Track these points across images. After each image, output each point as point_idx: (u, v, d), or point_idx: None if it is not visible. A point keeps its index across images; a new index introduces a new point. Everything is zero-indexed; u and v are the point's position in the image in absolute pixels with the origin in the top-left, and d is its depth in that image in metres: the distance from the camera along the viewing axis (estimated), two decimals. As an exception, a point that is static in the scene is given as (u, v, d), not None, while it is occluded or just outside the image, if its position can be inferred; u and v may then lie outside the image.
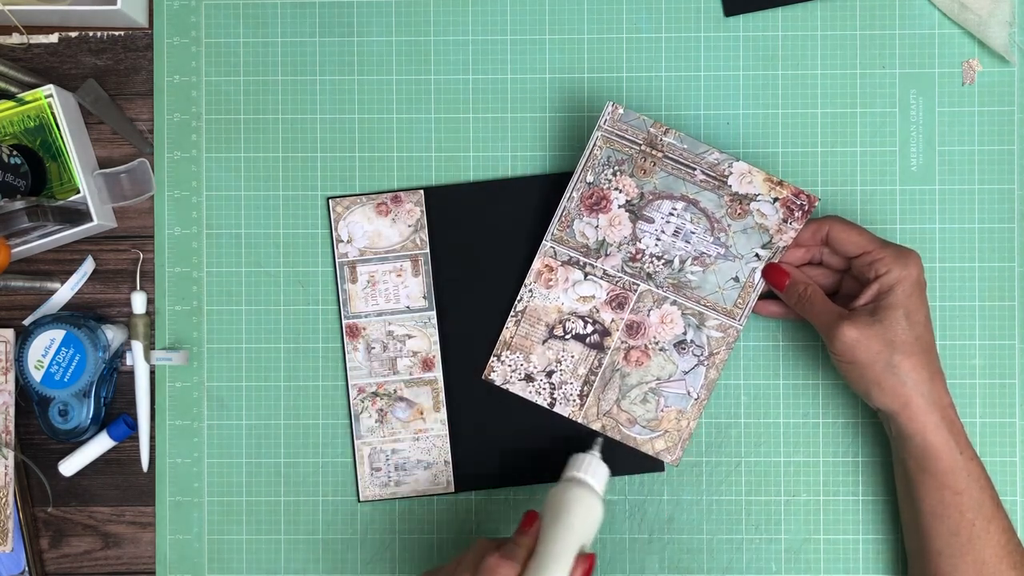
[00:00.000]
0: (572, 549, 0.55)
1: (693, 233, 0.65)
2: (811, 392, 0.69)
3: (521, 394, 0.68)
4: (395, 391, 0.69)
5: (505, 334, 0.67)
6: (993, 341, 0.68)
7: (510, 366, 0.68)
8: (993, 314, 0.69)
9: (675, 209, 0.64)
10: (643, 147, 0.64)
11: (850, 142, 0.69)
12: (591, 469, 0.60)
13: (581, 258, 0.66)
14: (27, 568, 0.69)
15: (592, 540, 0.57)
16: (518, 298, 0.67)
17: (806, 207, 0.63)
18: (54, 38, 0.70)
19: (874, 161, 0.69)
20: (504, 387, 0.67)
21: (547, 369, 0.67)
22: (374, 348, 0.69)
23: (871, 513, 0.68)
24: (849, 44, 0.69)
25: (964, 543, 0.60)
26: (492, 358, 0.68)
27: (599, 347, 0.67)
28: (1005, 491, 0.68)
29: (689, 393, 0.67)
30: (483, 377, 0.68)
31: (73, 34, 0.70)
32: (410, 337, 0.69)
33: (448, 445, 0.69)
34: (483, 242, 0.69)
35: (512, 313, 0.67)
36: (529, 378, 0.68)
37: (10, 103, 0.67)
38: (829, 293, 0.65)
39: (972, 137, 0.69)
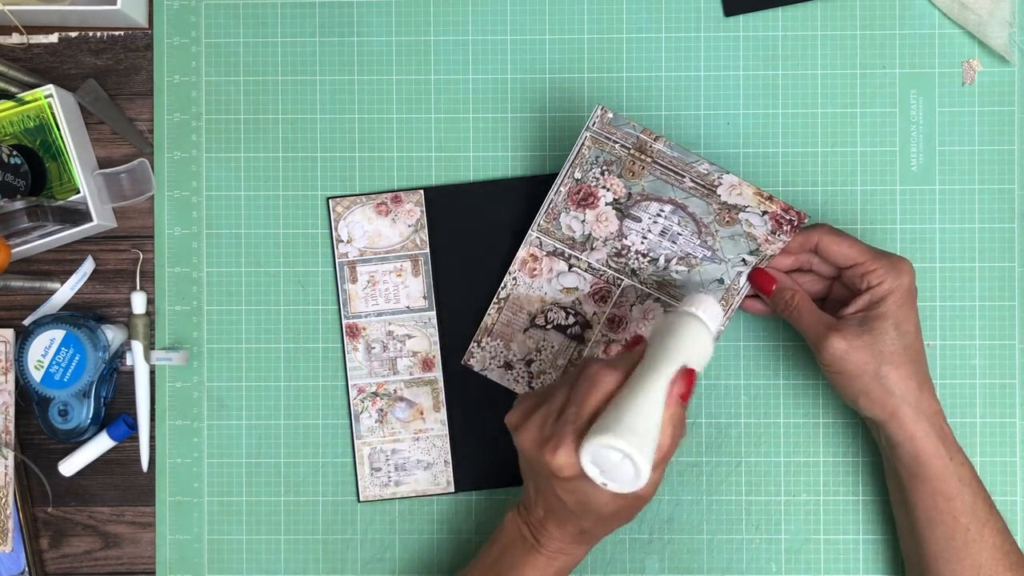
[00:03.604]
0: (675, 364, 0.53)
1: (680, 235, 0.64)
2: (811, 392, 0.69)
3: (499, 382, 0.68)
4: (395, 391, 0.69)
5: (487, 321, 0.67)
6: (993, 341, 0.68)
7: (490, 353, 0.67)
8: (993, 314, 0.69)
9: (663, 211, 0.64)
10: (632, 151, 0.63)
11: (850, 142, 0.69)
12: (706, 308, 0.56)
13: (567, 250, 0.66)
14: (27, 568, 0.69)
15: (700, 373, 0.54)
16: (502, 285, 0.67)
17: (795, 222, 0.62)
18: (54, 38, 0.70)
19: (874, 161, 0.69)
20: (482, 373, 0.68)
21: (526, 358, 0.67)
22: (374, 348, 0.69)
23: (871, 513, 0.68)
24: (849, 44, 0.69)
25: (960, 547, 0.60)
26: (472, 344, 0.68)
27: (579, 339, 0.67)
28: (1005, 491, 0.68)
29: None
30: (462, 363, 0.68)
31: (73, 34, 0.70)
32: (410, 337, 0.69)
33: (448, 445, 0.69)
34: (483, 242, 0.69)
35: (495, 300, 0.67)
36: (508, 366, 0.67)
37: (10, 103, 0.67)
38: (818, 299, 0.64)
39: (972, 137, 0.69)
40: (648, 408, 0.51)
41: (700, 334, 0.55)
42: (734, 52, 0.69)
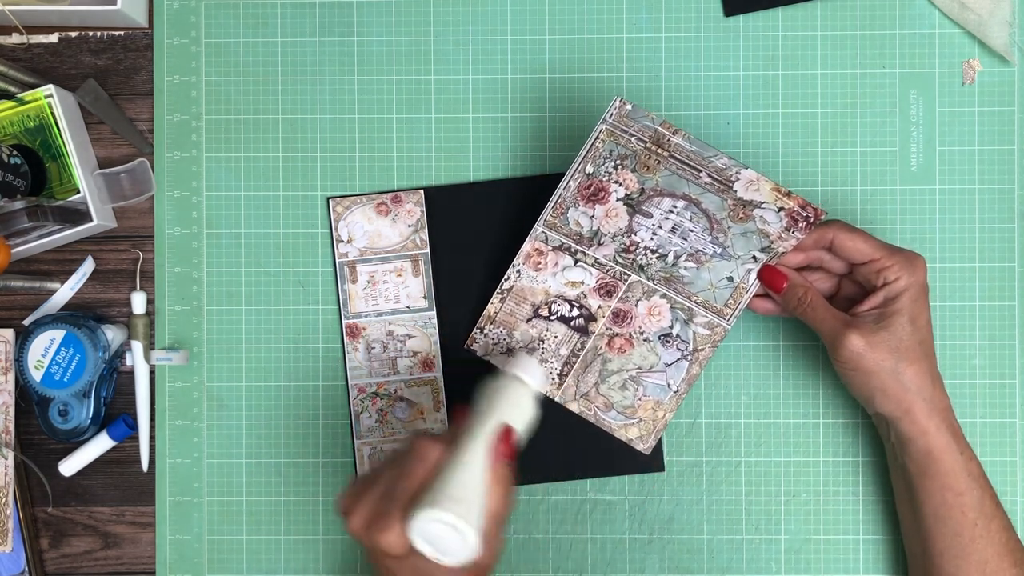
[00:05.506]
0: (491, 425, 0.53)
1: (691, 231, 0.64)
2: (811, 392, 0.69)
3: (502, 367, 0.67)
4: (395, 391, 0.69)
5: (490, 309, 0.67)
6: (993, 341, 0.68)
7: (492, 339, 0.67)
8: (993, 314, 0.69)
9: (675, 207, 0.64)
10: (649, 145, 0.62)
11: (850, 142, 0.69)
12: (526, 367, 0.58)
13: (573, 245, 0.66)
14: (27, 568, 0.69)
15: (523, 431, 0.55)
16: (505, 277, 0.67)
17: (811, 219, 0.62)
18: (54, 38, 0.70)
19: (874, 161, 0.69)
20: (485, 358, 0.68)
21: (529, 345, 0.67)
22: (374, 348, 0.69)
23: (871, 513, 0.68)
24: (849, 44, 0.69)
25: (967, 543, 0.60)
26: (475, 330, 0.68)
27: (583, 331, 0.67)
28: (1005, 491, 0.68)
29: (669, 385, 0.66)
30: (464, 346, 0.68)
31: (73, 34, 0.70)
32: (410, 337, 0.69)
33: (448, 445, 0.69)
34: (483, 242, 0.69)
35: (498, 291, 0.67)
36: (511, 352, 0.67)
37: (10, 103, 0.67)
38: (827, 296, 0.64)
39: (972, 137, 0.69)
40: (470, 475, 0.51)
41: (520, 394, 0.56)
42: (734, 52, 0.69)
